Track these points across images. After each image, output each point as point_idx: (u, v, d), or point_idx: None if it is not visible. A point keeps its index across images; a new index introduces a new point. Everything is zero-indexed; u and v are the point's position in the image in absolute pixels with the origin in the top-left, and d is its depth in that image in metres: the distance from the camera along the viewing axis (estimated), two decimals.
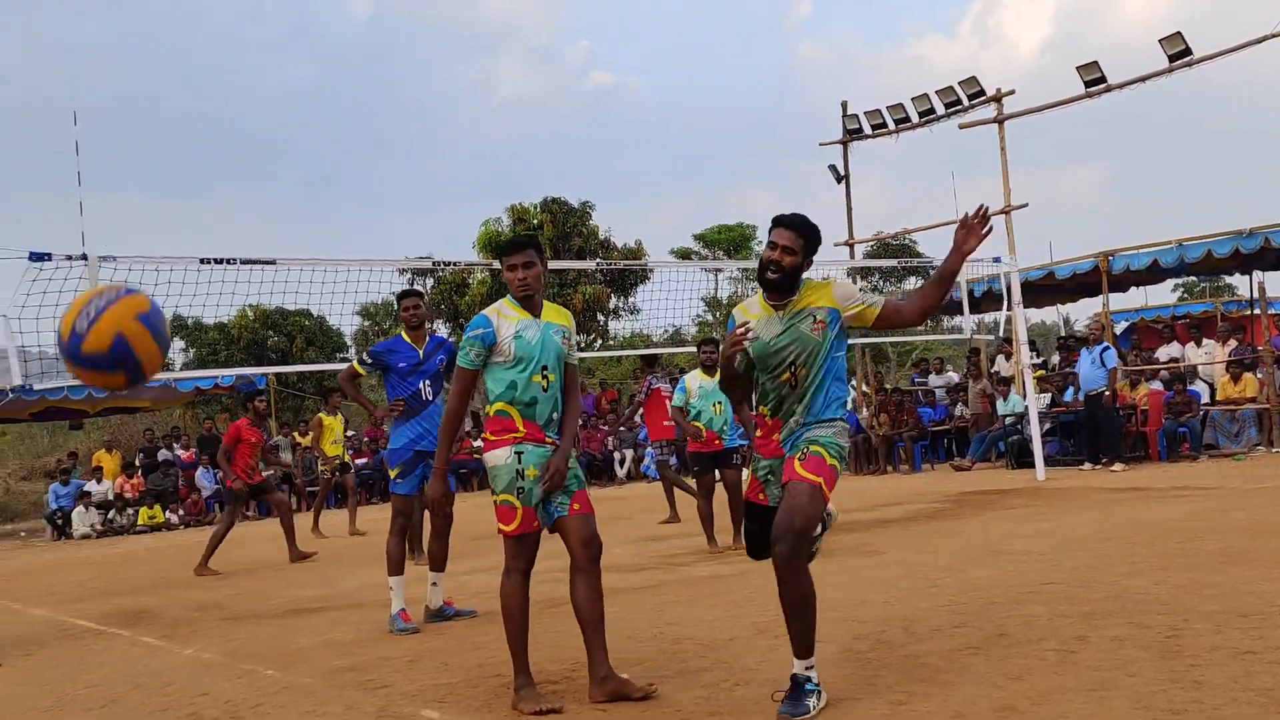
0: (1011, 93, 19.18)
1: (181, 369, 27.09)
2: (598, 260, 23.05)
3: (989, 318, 26.58)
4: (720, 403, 9.04)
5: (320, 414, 15.44)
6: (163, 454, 21.07)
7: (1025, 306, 16.71)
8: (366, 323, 37.11)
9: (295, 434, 22.05)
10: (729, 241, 39.89)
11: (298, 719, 4.57)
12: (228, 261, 8.86)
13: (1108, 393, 14.47)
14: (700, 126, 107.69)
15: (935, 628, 5.25)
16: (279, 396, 27.11)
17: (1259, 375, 15.44)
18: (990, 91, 19.30)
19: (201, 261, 8.68)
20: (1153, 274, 19.83)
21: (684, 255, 38.38)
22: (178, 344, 28.93)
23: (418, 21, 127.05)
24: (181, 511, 19.66)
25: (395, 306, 7.97)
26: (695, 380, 9.33)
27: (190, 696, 5.19)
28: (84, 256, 7.69)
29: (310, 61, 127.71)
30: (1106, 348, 14.80)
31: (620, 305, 28.63)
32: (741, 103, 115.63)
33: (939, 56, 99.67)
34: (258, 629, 7.09)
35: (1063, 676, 4.17)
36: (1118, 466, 14.12)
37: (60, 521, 19.29)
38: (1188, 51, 16.87)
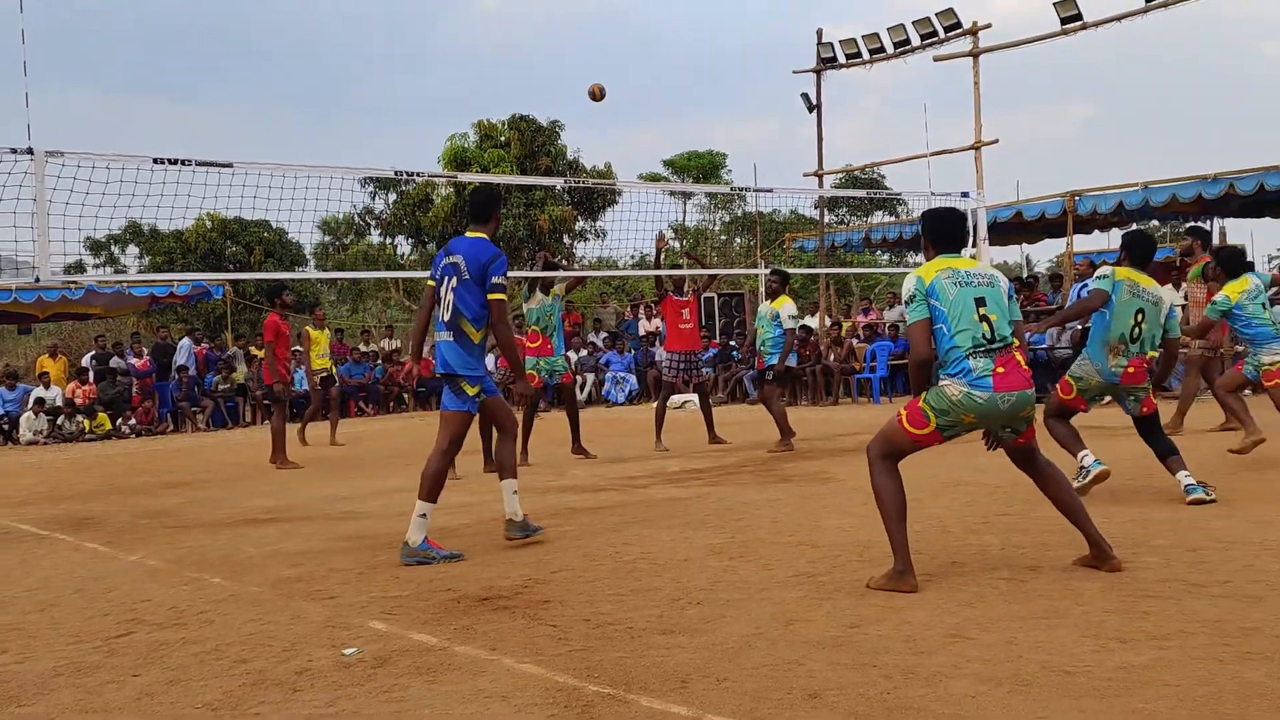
0: (988, 26, 18.93)
1: (136, 275, 26.63)
2: (565, 178, 22.72)
3: None
4: (762, 327, 11.06)
5: (307, 327, 15.33)
6: (115, 362, 20.73)
7: (992, 245, 16.74)
8: (328, 237, 36.59)
9: (252, 348, 21.78)
10: (698, 168, 39.52)
11: (242, 626, 4.50)
12: (183, 163, 8.61)
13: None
14: (687, 50, 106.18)
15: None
16: (235, 308, 26.73)
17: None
18: (967, 24, 19.07)
19: (155, 161, 8.43)
20: (1118, 216, 19.88)
21: (653, 180, 38.01)
22: (131, 250, 28.37)
23: None
24: (134, 421, 19.41)
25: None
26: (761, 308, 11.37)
27: (133, 602, 5.11)
28: (29, 151, 7.42)
29: None
30: (1086, 284, 14.84)
31: (587, 228, 28.36)
32: (733, 27, 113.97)
33: None
34: (206, 538, 7.00)
35: (1014, 604, 4.18)
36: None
37: (6, 427, 18.99)
38: None
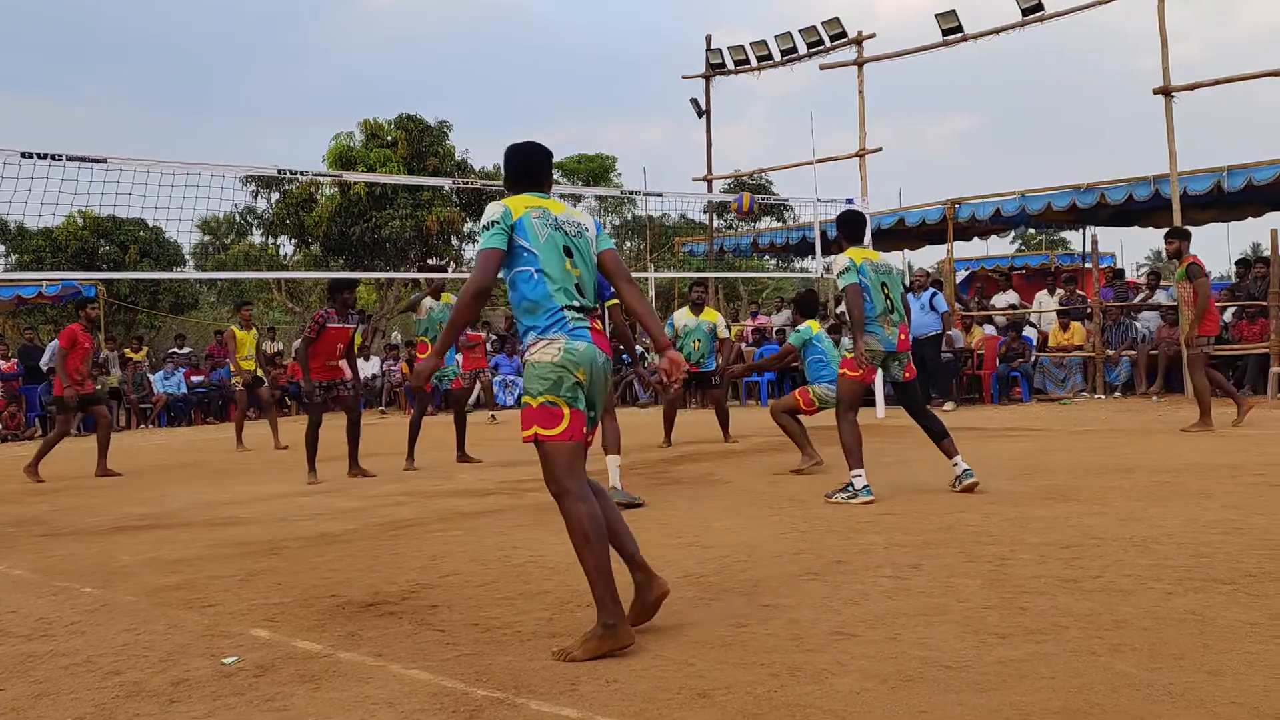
0: (872, 36, 19.30)
1: (1, 274, 25.50)
2: (453, 179, 22.49)
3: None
4: (700, 340, 11.41)
5: (232, 327, 14.89)
6: None
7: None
8: (207, 237, 35.62)
9: (127, 350, 21.07)
10: (588, 171, 39.57)
11: (115, 637, 4.34)
12: (53, 157, 8.28)
13: (949, 334, 15.24)
14: (578, 53, 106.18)
15: (776, 554, 5.32)
16: (109, 309, 25.83)
17: (1087, 325, 16.18)
18: (852, 34, 19.44)
19: (23, 155, 8.09)
20: (996, 223, 20.50)
21: None
22: None
23: None
24: (0, 426, 18.59)
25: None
26: (682, 318, 11.61)
27: None
28: None
29: None
30: (935, 293, 15.30)
31: (476, 230, 28.10)
32: (624, 31, 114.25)
33: None
34: (78, 546, 6.73)
35: (896, 602, 4.26)
36: (948, 406, 14.69)
37: None
38: (1040, 6, 17.28)
